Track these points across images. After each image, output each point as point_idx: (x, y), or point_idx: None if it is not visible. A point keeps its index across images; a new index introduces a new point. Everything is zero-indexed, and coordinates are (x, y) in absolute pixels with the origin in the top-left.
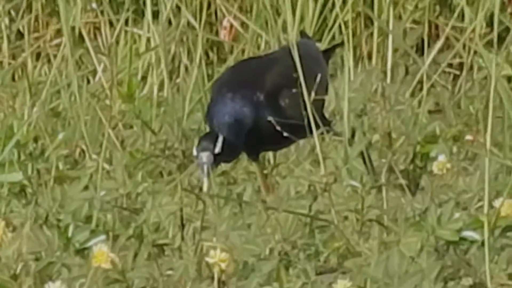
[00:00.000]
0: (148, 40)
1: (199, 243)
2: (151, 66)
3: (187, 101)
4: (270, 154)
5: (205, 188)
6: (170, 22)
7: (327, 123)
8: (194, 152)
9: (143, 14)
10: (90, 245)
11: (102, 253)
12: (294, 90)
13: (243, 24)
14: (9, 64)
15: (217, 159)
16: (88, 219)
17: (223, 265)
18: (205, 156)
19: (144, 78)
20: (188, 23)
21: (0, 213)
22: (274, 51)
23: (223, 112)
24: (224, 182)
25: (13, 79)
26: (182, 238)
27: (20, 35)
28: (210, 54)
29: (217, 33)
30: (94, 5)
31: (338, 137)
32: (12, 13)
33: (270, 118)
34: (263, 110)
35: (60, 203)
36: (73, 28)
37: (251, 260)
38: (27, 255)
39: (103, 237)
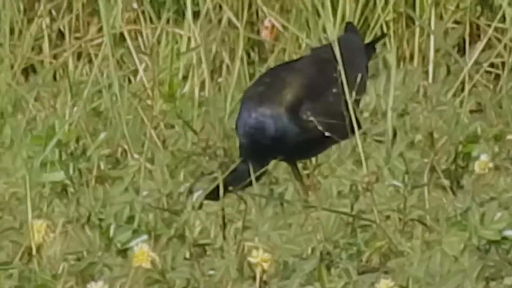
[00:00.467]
0: (189, 39)
1: (241, 243)
2: (192, 66)
3: (229, 100)
4: None
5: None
6: (211, 22)
7: (344, 131)
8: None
9: (184, 14)
10: (132, 245)
11: (143, 253)
12: (333, 90)
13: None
14: (50, 64)
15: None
16: (130, 219)
17: (265, 265)
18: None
19: (185, 77)
20: (229, 22)
21: (42, 213)
22: (305, 55)
23: (247, 123)
24: (266, 182)
25: (54, 79)
26: (224, 238)
27: (61, 35)
28: (251, 53)
29: (258, 33)
30: (134, 5)
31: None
32: (53, 12)
33: (311, 118)
34: (286, 121)
35: (102, 203)
36: (114, 28)
37: (293, 260)
38: (69, 255)
39: (144, 237)
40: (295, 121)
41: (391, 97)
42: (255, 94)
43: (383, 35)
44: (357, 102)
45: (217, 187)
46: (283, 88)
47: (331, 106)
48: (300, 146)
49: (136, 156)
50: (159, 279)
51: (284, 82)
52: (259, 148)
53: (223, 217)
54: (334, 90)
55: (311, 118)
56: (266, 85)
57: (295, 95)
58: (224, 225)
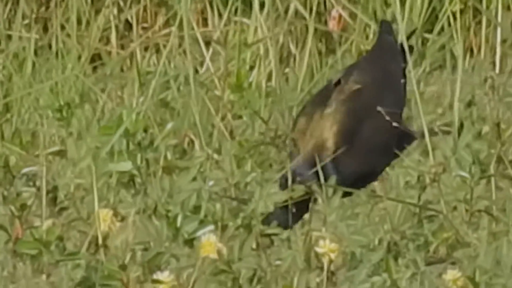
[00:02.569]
0: (256, 30)
1: (308, 233)
2: (259, 56)
3: (298, 90)
4: None
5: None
6: (278, 12)
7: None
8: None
9: (251, 4)
10: (199, 235)
11: (210, 243)
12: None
13: (351, 14)
14: (118, 54)
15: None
16: (197, 209)
17: (332, 255)
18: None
19: (252, 68)
20: (297, 13)
21: (109, 203)
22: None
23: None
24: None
25: (121, 69)
26: (291, 228)
27: (128, 25)
28: (319, 44)
29: (326, 23)
30: None
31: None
32: (121, 3)
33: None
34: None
35: (169, 193)
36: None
37: (360, 251)
38: (136, 245)
39: (211, 227)
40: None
41: (458, 88)
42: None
43: (413, 31)
44: (399, 116)
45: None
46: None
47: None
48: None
49: (203, 146)
50: (225, 269)
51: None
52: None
53: (290, 207)
54: (371, 125)
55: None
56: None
57: (335, 142)
58: (291, 215)
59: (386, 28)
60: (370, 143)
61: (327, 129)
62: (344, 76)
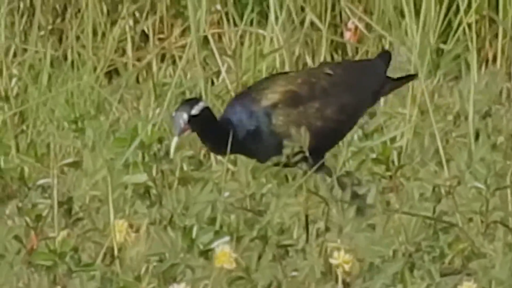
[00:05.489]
0: (272, 41)
1: (323, 244)
2: (275, 68)
3: None
4: (394, 154)
5: (172, 149)
6: (294, 24)
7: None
8: (172, 114)
9: (267, 15)
10: (214, 246)
11: (225, 253)
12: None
13: (367, 25)
14: (134, 65)
15: (193, 121)
16: (212, 220)
17: (346, 267)
18: (180, 117)
19: None
20: (312, 24)
21: (124, 215)
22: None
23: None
24: (348, 183)
25: (137, 80)
26: (307, 240)
27: (145, 36)
28: (335, 55)
29: (341, 35)
30: (218, 6)
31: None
32: (137, 14)
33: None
34: (256, 119)
35: (184, 204)
36: (198, 30)
37: (376, 262)
38: (151, 256)
39: (227, 238)
40: (267, 121)
41: (472, 99)
42: (249, 90)
43: (413, 76)
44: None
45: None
46: (268, 89)
47: (306, 118)
48: (268, 149)
49: (219, 157)
50: (243, 277)
51: (272, 83)
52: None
53: (306, 218)
54: (317, 105)
55: (282, 122)
56: (259, 83)
57: (274, 97)
58: (307, 226)
59: (383, 57)
60: (304, 121)
61: (281, 85)
62: (326, 64)
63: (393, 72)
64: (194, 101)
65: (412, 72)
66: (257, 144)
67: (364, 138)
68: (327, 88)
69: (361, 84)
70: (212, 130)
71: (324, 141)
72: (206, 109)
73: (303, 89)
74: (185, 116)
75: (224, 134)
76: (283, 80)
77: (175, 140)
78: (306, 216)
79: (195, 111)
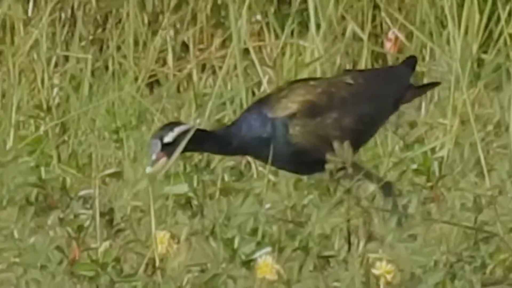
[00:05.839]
0: (313, 51)
1: (365, 254)
2: None
3: None
4: (435, 165)
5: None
6: (335, 34)
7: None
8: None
9: (307, 25)
10: (256, 257)
11: (267, 264)
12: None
13: (408, 35)
14: (174, 76)
15: (166, 149)
16: (254, 231)
17: (388, 277)
18: (153, 143)
19: None
20: (353, 34)
21: (166, 225)
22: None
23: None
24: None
25: (178, 90)
26: (349, 250)
27: (185, 46)
28: (375, 65)
29: (382, 45)
30: (258, 17)
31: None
32: (178, 25)
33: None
34: (272, 127)
35: (226, 215)
36: (239, 41)
37: (417, 272)
38: (193, 267)
39: (268, 249)
40: (283, 130)
41: None
42: (265, 97)
43: (436, 84)
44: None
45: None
46: (286, 97)
47: (323, 129)
48: (282, 157)
49: (260, 168)
50: None
51: (291, 92)
52: (242, 142)
53: (348, 229)
54: (334, 116)
55: (298, 132)
56: (277, 90)
57: (293, 106)
58: (349, 237)
59: (409, 63)
60: (322, 132)
61: (300, 94)
62: (349, 72)
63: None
64: (169, 127)
65: (453, 82)
66: (268, 152)
67: (405, 149)
68: (346, 98)
69: (382, 92)
70: (207, 140)
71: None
72: (185, 132)
73: (322, 99)
74: (158, 144)
75: (227, 138)
76: (303, 89)
77: (148, 170)
78: (348, 227)
79: (168, 138)
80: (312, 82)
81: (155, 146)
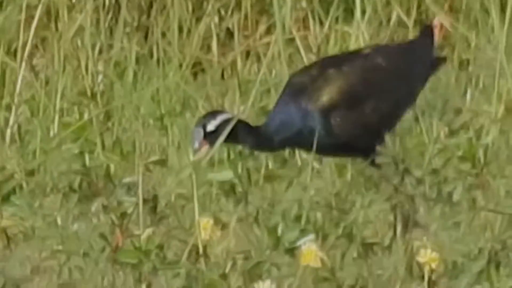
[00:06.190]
0: (358, 38)
1: (409, 242)
2: None
3: None
4: (481, 152)
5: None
6: (380, 20)
7: (372, 146)
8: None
9: (352, 12)
10: (300, 244)
11: (311, 252)
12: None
13: (453, 23)
14: (219, 62)
15: (209, 137)
16: (298, 218)
17: (433, 265)
18: (196, 131)
19: None
20: (399, 21)
21: (210, 212)
22: (361, 54)
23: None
24: (434, 182)
25: (222, 77)
26: (393, 237)
27: (229, 33)
28: None
29: None
30: (303, 3)
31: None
32: (222, 11)
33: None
34: (312, 120)
35: (270, 201)
36: (283, 28)
37: (461, 260)
38: (236, 254)
39: (312, 236)
40: (324, 123)
41: None
42: (297, 85)
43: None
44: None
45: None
46: (323, 88)
47: (364, 118)
48: (324, 148)
49: (304, 155)
50: (327, 278)
51: (327, 81)
52: (284, 138)
53: (395, 216)
54: (373, 102)
55: (339, 124)
56: (310, 78)
57: (332, 98)
58: (395, 225)
59: (426, 33)
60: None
61: (337, 84)
62: (376, 49)
63: (479, 69)
64: (212, 115)
65: (498, 69)
66: (310, 143)
67: (450, 136)
68: (382, 83)
69: (413, 71)
70: (249, 135)
71: (378, 135)
72: (227, 121)
73: (359, 87)
74: (201, 132)
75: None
76: (338, 78)
77: (191, 157)
78: (394, 214)
79: (211, 126)
80: (345, 68)
81: (198, 134)
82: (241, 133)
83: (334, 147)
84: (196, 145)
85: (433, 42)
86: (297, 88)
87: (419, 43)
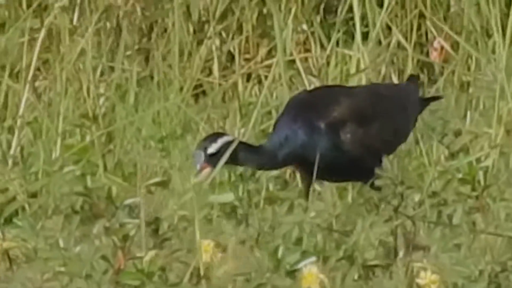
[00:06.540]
0: (359, 61)
1: (410, 264)
2: None
3: None
4: (481, 174)
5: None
6: (380, 43)
7: (373, 169)
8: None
9: (353, 35)
10: (300, 266)
11: (312, 274)
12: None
13: (453, 45)
14: (220, 85)
15: (211, 159)
16: (299, 240)
17: (433, 287)
18: (197, 154)
19: None
20: (399, 44)
21: (211, 234)
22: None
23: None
24: (434, 204)
25: (223, 100)
26: (393, 260)
27: (231, 56)
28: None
29: (427, 54)
30: (304, 26)
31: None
32: (223, 34)
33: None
34: (319, 139)
35: (271, 224)
36: (284, 50)
37: (461, 282)
38: (237, 276)
39: (313, 258)
40: (334, 137)
41: None
42: (302, 103)
43: (440, 97)
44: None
45: None
46: (333, 104)
47: (371, 138)
48: (327, 164)
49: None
50: None
51: (336, 98)
52: (288, 152)
53: (395, 239)
54: (377, 126)
55: (349, 139)
56: (317, 97)
57: (342, 114)
58: (395, 247)
59: (413, 80)
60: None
61: (346, 101)
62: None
63: (479, 91)
64: (213, 138)
65: (498, 91)
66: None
67: (450, 158)
68: (386, 110)
69: (411, 105)
70: (251, 155)
71: (379, 159)
72: (228, 144)
73: (367, 107)
74: (202, 155)
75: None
76: (347, 96)
77: (192, 180)
78: (395, 237)
79: (212, 149)
80: (354, 90)
81: (199, 157)
82: (243, 154)
83: (338, 164)
84: (198, 167)
85: (417, 87)
86: (302, 106)
87: (408, 85)
